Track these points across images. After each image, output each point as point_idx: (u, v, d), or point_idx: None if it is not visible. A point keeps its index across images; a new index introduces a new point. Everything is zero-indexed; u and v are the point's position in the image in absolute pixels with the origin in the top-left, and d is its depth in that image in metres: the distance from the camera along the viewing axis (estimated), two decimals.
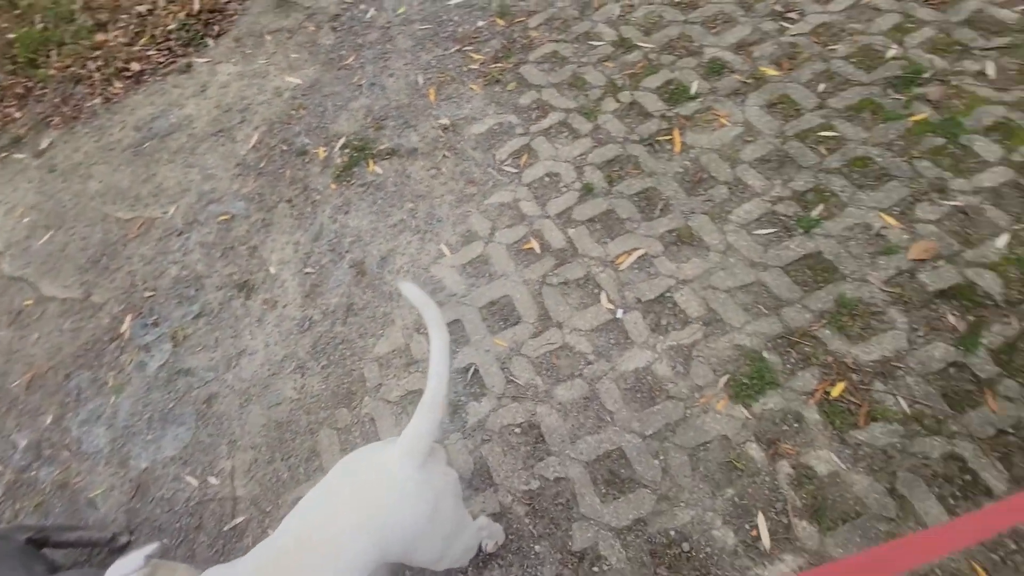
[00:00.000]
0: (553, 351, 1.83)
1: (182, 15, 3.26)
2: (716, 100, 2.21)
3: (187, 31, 3.22)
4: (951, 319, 1.61)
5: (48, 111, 3.20)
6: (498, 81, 2.55)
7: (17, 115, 3.24)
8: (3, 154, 3.14)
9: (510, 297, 1.98)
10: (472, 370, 1.86)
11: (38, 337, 2.47)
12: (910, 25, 2.16)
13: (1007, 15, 2.09)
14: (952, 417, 1.48)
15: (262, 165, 2.64)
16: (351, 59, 2.89)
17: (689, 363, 1.71)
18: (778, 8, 2.36)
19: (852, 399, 1.56)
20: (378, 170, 2.44)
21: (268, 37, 3.13)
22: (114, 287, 2.47)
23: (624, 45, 2.47)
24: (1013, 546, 1.31)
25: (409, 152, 2.46)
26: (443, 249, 2.16)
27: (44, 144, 3.10)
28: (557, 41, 2.59)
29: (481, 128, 2.43)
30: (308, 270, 2.26)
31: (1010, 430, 1.43)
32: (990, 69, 1.99)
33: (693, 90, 2.25)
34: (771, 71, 2.21)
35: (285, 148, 2.67)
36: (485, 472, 1.68)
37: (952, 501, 1.39)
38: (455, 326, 1.96)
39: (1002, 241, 1.67)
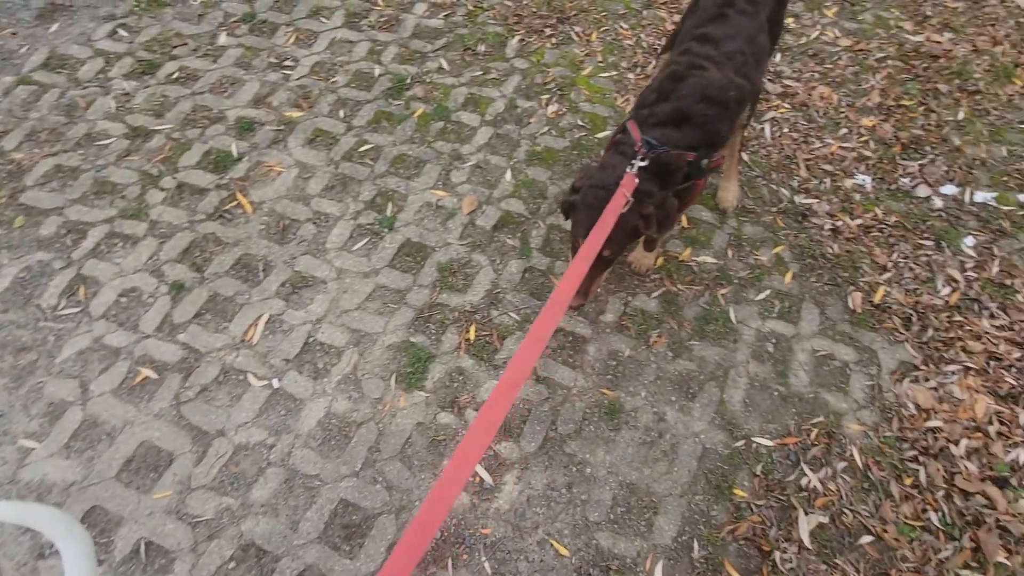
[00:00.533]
0: (228, 461, 1.61)
1: None
2: (261, 154, 2.23)
3: None
4: (509, 242, 2.05)
5: None
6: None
7: None
8: None
9: (148, 441, 1.64)
10: (142, 546, 1.48)
11: None
12: (379, 47, 2.58)
13: (436, 23, 2.70)
14: (542, 305, 1.91)
15: None
16: None
17: (360, 385, 1.74)
18: (273, 60, 2.50)
19: (484, 333, 1.85)
20: None
21: None
22: None
23: (140, 134, 2.24)
24: None
25: None
26: (25, 444, 1.62)
27: None
28: (54, 154, 2.17)
29: (1, 284, 1.88)
30: None
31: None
32: (444, 63, 2.54)
33: (235, 152, 2.21)
34: (295, 113, 2.34)
35: None
36: None
37: (571, 359, 1.81)
38: (94, 515, 1.52)
39: (508, 175, 2.20)
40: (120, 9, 2.63)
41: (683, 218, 2.10)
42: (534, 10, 2.73)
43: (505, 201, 2.15)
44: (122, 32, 2.54)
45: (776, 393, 1.76)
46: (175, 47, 2.51)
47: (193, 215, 2.06)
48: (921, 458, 1.62)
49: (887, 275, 1.98)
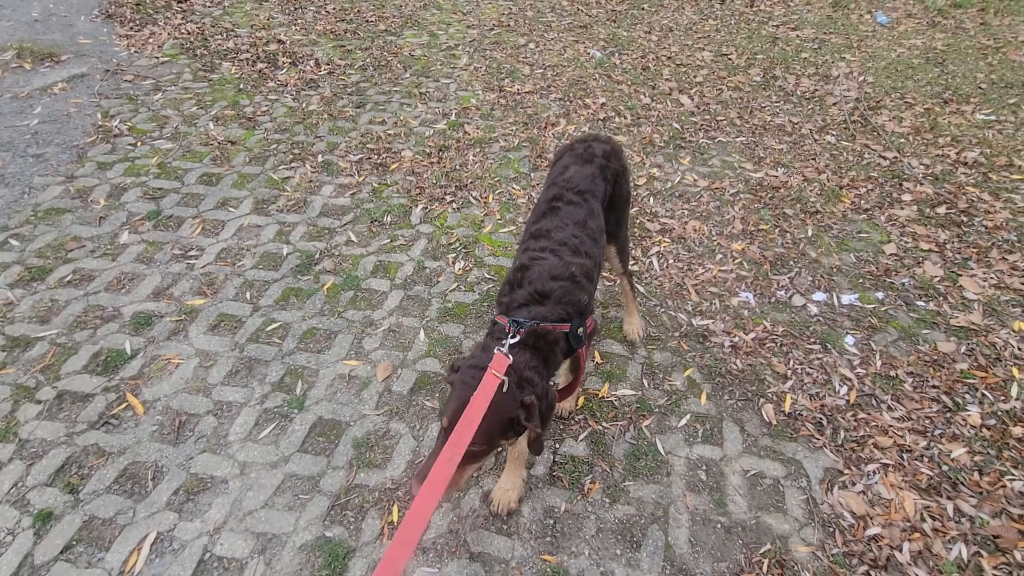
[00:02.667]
0: None
1: None
2: (159, 347, 2.13)
3: None
4: (428, 404, 2.00)
5: None
6: None
7: None
8: None
9: None
10: None
11: None
12: (287, 228, 2.69)
13: (344, 201, 2.88)
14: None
15: None
16: None
17: None
18: (177, 252, 2.52)
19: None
20: None
21: None
22: None
23: (19, 344, 2.09)
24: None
25: None
26: None
27: None
28: None
29: None
30: None
31: (499, 450, 1.86)
32: (352, 236, 2.67)
33: (129, 349, 2.10)
34: (199, 301, 2.30)
35: None
36: None
37: (505, 527, 1.67)
38: None
39: (422, 335, 2.22)
40: (14, 220, 2.61)
41: (596, 354, 2.17)
42: (434, 181, 3.02)
43: (420, 362, 2.14)
44: (14, 242, 2.50)
45: (719, 525, 1.70)
46: (70, 251, 2.48)
47: (72, 426, 1.87)
48: (872, 573, 1.58)
49: (789, 383, 2.10)
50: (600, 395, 2.04)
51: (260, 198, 2.83)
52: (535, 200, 2.87)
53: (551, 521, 1.70)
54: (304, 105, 3.59)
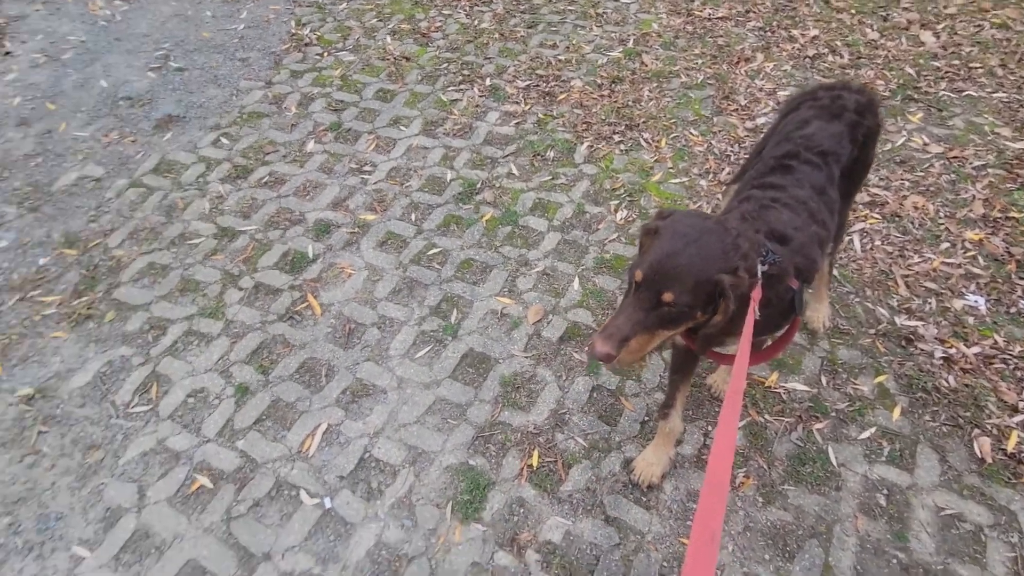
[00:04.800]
0: None
1: None
2: (335, 255, 2.29)
3: None
4: (576, 356, 1.95)
5: None
6: (89, 317, 2.12)
7: None
8: None
9: (195, 560, 1.56)
10: None
11: None
12: (452, 153, 2.69)
13: (508, 130, 2.80)
14: (612, 430, 1.76)
15: None
16: None
17: (414, 512, 1.62)
18: (353, 165, 2.65)
19: (548, 459, 1.71)
20: None
21: None
22: None
23: (227, 235, 2.38)
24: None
25: None
26: (78, 552, 1.59)
27: None
28: (150, 252, 2.32)
29: (84, 378, 1.96)
30: None
31: (646, 418, 1.78)
32: (514, 168, 2.60)
33: (311, 253, 2.29)
34: (370, 216, 2.42)
35: None
36: None
37: (644, 499, 1.62)
38: None
39: (576, 284, 2.14)
40: (225, 120, 2.90)
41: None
42: (603, 118, 2.78)
43: (572, 311, 2.06)
44: (224, 141, 2.79)
45: (895, 560, 1.48)
46: (267, 154, 2.71)
47: (265, 315, 2.10)
48: None
49: (1019, 417, 1.70)
50: (766, 384, 1.82)
51: (429, 119, 2.84)
52: (715, 150, 2.52)
53: (694, 505, 1.59)
54: (476, 22, 3.46)
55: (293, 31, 3.49)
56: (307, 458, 1.74)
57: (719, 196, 2.33)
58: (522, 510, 1.62)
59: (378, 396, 1.87)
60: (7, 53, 3.39)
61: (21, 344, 2.06)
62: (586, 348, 1.40)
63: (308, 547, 1.58)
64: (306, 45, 3.37)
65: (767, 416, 1.76)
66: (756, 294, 1.09)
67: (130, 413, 1.87)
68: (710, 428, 1.75)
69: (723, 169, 2.51)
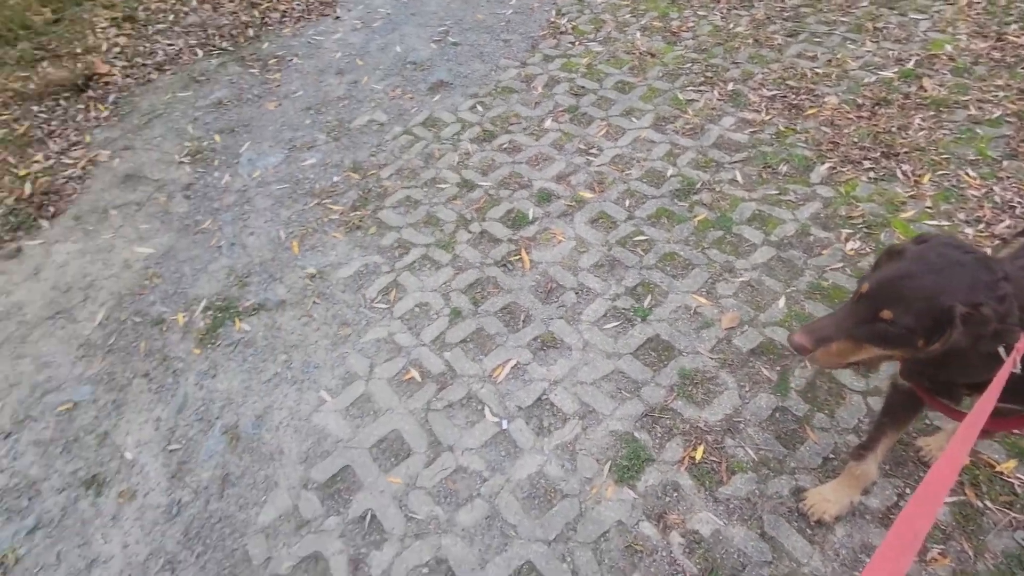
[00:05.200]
0: (448, 476, 1.82)
1: (10, 200, 3.05)
2: (551, 221, 2.56)
3: (16, 216, 3.01)
4: (765, 372, 1.92)
5: None
6: (359, 227, 2.71)
7: None
8: None
9: (398, 431, 1.96)
10: (369, 517, 1.76)
11: None
12: (677, 151, 2.76)
13: (741, 137, 2.77)
14: (789, 455, 1.72)
15: (111, 342, 2.43)
16: (207, 223, 2.88)
17: (575, 458, 1.81)
18: (582, 146, 2.89)
19: (713, 459, 1.75)
20: (246, 327, 2.38)
21: (114, 212, 3.03)
22: None
23: (467, 185, 2.81)
24: None
25: (277, 304, 2.45)
26: (323, 395, 2.11)
27: None
28: (409, 188, 2.86)
29: (348, 271, 2.52)
30: (173, 447, 2.05)
31: (831, 455, 1.70)
32: (739, 176, 2.58)
33: (531, 216, 2.59)
34: (587, 194, 2.64)
35: (138, 320, 2.50)
36: None
37: (810, 531, 1.57)
38: (345, 473, 1.88)
39: (781, 303, 2.08)
40: (482, 90, 3.37)
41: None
42: (855, 140, 2.58)
43: (771, 328, 2.02)
44: (479, 108, 3.25)
45: None
46: (511, 124, 3.09)
47: (484, 258, 2.45)
48: None
49: None
50: (997, 468, 1.58)
51: (661, 115, 2.93)
52: (996, 198, 2.18)
53: (866, 559, 1.48)
54: (731, 26, 3.42)
55: (552, 20, 3.84)
56: (495, 383, 2.03)
57: (987, 251, 2.02)
58: (676, 494, 1.69)
59: (564, 351, 2.08)
60: (337, 18, 4.35)
61: (312, 236, 2.73)
62: (789, 335, 1.36)
63: (482, 453, 1.86)
64: (561, 33, 3.70)
65: (988, 502, 1.55)
66: (1021, 346, 0.99)
67: (373, 307, 2.37)
68: (908, 491, 1.60)
69: (1001, 221, 2.17)
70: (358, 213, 2.77)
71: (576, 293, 2.25)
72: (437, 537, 1.69)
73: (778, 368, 1.91)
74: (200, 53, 4.08)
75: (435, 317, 2.27)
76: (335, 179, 2.98)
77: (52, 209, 3.08)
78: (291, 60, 3.90)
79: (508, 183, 2.76)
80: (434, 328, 2.23)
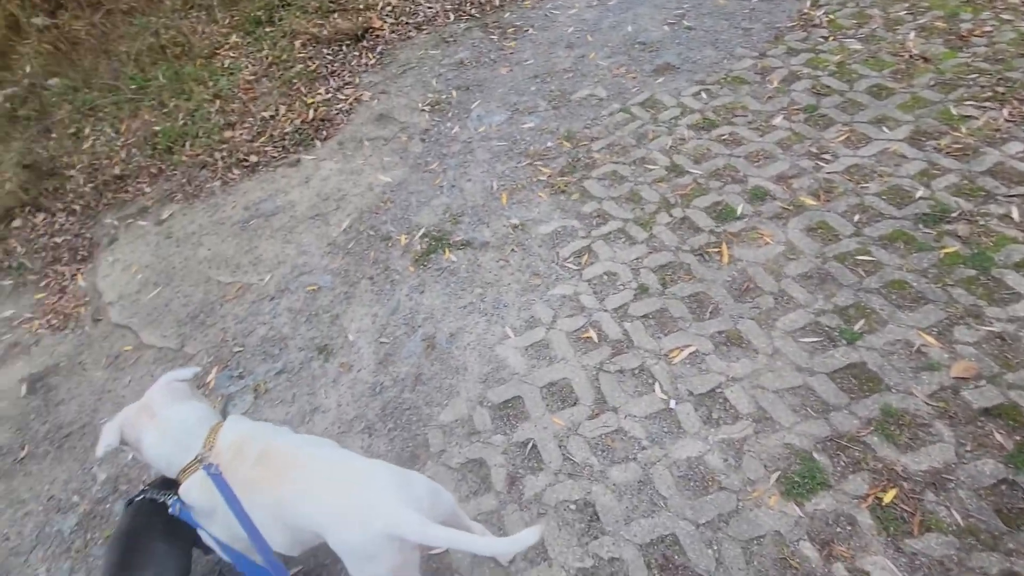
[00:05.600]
0: (608, 434, 1.94)
1: (298, 121, 3.85)
2: (760, 221, 2.46)
3: (300, 134, 3.79)
4: (998, 437, 1.67)
5: (174, 189, 3.72)
6: (563, 191, 2.90)
7: (147, 190, 3.77)
8: (129, 221, 3.61)
9: (569, 380, 2.12)
10: (530, 445, 1.96)
11: (129, 381, 2.70)
12: (935, 171, 2.43)
13: None
14: (1008, 534, 1.50)
15: (350, 246, 2.98)
16: (435, 165, 3.32)
17: (740, 457, 1.79)
18: (813, 150, 2.69)
19: (904, 507, 1.59)
20: (452, 258, 2.73)
21: (367, 143, 3.65)
22: (207, 341, 2.73)
23: (676, 170, 2.81)
24: None
25: (481, 245, 2.76)
26: (508, 332, 2.36)
27: (165, 215, 3.57)
28: (617, 163, 2.96)
29: (547, 229, 2.73)
30: (383, 340, 2.48)
31: None
32: (1015, 213, 2.20)
33: (739, 211, 2.52)
34: (810, 201, 2.47)
35: (372, 233, 3.02)
36: (540, 546, 1.72)
37: None
38: (516, 402, 2.10)
39: None
40: (710, 78, 3.29)
41: None
42: None
43: (1019, 392, 1.73)
44: (703, 95, 3.19)
45: None
46: (735, 116, 2.98)
47: (681, 243, 2.46)
48: None
49: None
50: None
51: (922, 128, 2.58)
52: None
53: None
54: None
55: (805, 10, 3.56)
56: (670, 363, 2.07)
57: None
58: (849, 528, 1.58)
59: (749, 352, 2.02)
60: None
61: (520, 192, 2.98)
62: None
63: (644, 424, 1.93)
64: (813, 26, 3.41)
65: None
66: None
67: (564, 266, 2.54)
68: None
69: None
70: (564, 178, 2.95)
71: (775, 298, 2.16)
72: (588, 482, 1.82)
73: (1017, 438, 1.64)
74: (452, 17, 4.61)
75: (621, 288, 2.36)
76: (548, 144, 3.20)
77: (324, 133, 3.81)
78: (527, 31, 4.20)
79: (720, 174, 2.70)
80: (618, 298, 2.33)
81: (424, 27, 4.51)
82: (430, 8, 4.64)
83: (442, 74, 3.95)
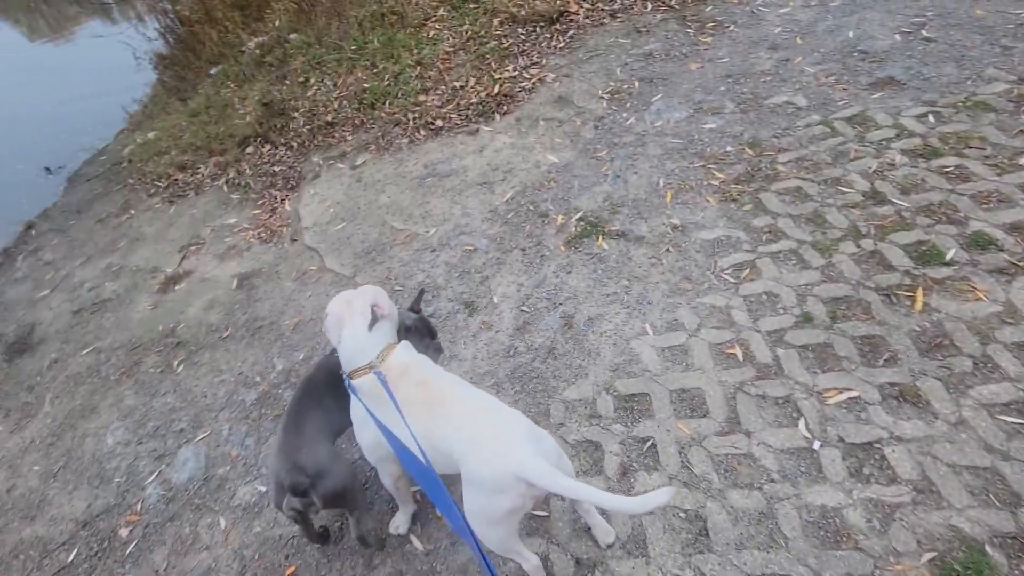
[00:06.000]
0: (736, 456, 1.86)
1: (483, 94, 4.13)
2: (974, 272, 2.13)
3: (483, 106, 4.07)
4: None
5: (369, 140, 4.23)
6: (735, 200, 2.76)
7: (349, 138, 4.34)
8: (331, 162, 4.20)
9: (702, 391, 2.06)
10: (650, 443, 1.96)
11: (310, 295, 3.19)
12: None
13: None
14: None
15: (509, 216, 3.16)
16: (603, 153, 3.36)
17: (889, 523, 1.61)
18: None
19: None
20: (605, 246, 2.76)
21: (542, 123, 3.80)
22: (374, 275, 3.11)
23: (875, 198, 2.52)
24: None
25: (636, 238, 2.76)
26: (647, 328, 2.34)
27: (359, 162, 4.09)
28: (803, 179, 2.73)
29: (709, 236, 2.64)
30: (524, 309, 2.61)
31: None
32: None
33: (948, 256, 2.20)
34: None
35: (531, 208, 3.16)
36: (641, 541, 1.73)
37: None
38: (642, 398, 2.10)
39: None
40: (943, 100, 2.85)
41: None
42: None
43: None
44: (930, 118, 2.78)
45: None
46: (969, 147, 2.56)
47: (865, 279, 2.21)
48: None
49: None
50: None
51: None
52: None
53: None
54: None
55: None
56: (823, 401, 1.89)
57: None
58: None
59: (926, 414, 1.78)
60: None
61: (686, 193, 2.89)
62: None
63: (779, 456, 1.81)
64: None
65: None
66: None
67: (720, 276, 2.43)
68: None
69: None
70: (739, 187, 2.80)
71: (974, 363, 1.86)
72: (704, 496, 1.77)
73: None
74: (649, 6, 4.55)
75: (781, 311, 2.21)
76: (728, 148, 3.05)
77: (505, 108, 4.04)
78: (728, 27, 4.00)
79: (933, 211, 2.37)
80: (775, 321, 2.18)
81: (619, 14, 4.52)
82: None
83: (628, 63, 3.94)
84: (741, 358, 2.11)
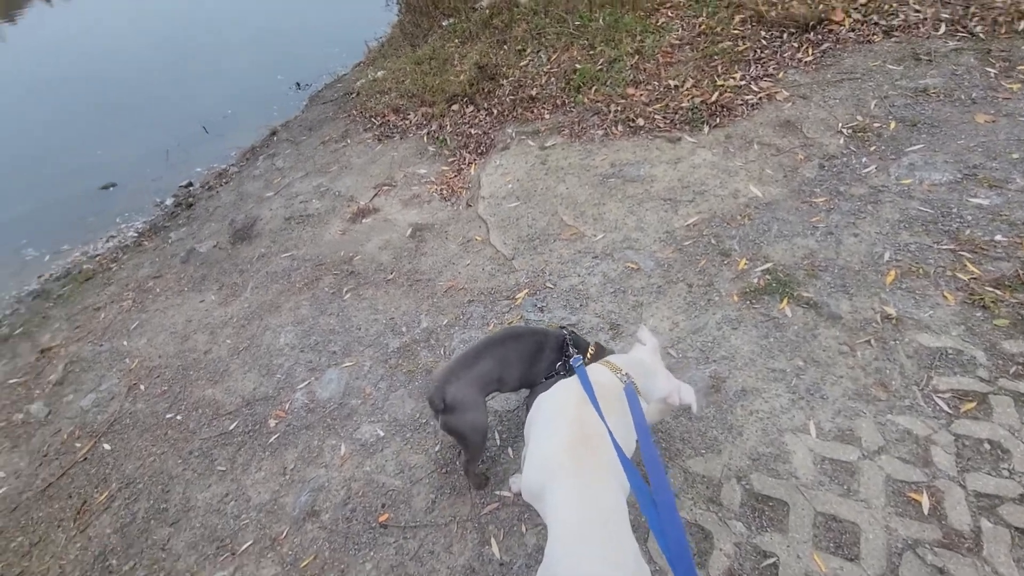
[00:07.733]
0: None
1: (698, 99, 3.80)
2: None
3: (693, 113, 3.75)
4: None
5: (564, 124, 4.19)
6: (985, 307, 2.19)
7: (546, 117, 4.35)
8: (522, 137, 4.26)
9: (859, 529, 1.72)
10: (772, 560, 1.70)
11: (468, 264, 3.32)
12: None
13: None
14: None
15: (686, 244, 2.91)
16: (821, 200, 2.89)
17: None
18: None
19: None
20: (788, 312, 2.41)
21: (756, 146, 3.39)
22: (530, 264, 3.12)
23: None
24: None
25: (831, 315, 2.35)
26: (810, 426, 2.01)
27: (549, 143, 4.09)
28: None
29: (931, 342, 2.14)
30: (671, 352, 2.41)
31: None
32: None
33: None
34: None
35: (712, 242, 2.87)
36: None
37: None
38: (778, 505, 1.82)
39: None
40: None
41: None
42: None
43: None
44: None
45: None
46: None
47: None
48: None
49: None
50: None
51: None
52: None
53: None
54: None
55: None
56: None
57: None
58: None
59: None
60: None
61: (915, 279, 2.37)
62: None
63: None
64: None
65: None
66: None
67: (932, 397, 1.98)
68: None
69: None
70: (997, 291, 2.21)
71: None
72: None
73: None
74: (941, 30, 3.71)
75: (1005, 474, 1.73)
76: (997, 237, 2.41)
77: (717, 121, 3.68)
78: None
79: None
80: (992, 483, 1.71)
81: (895, 33, 3.78)
82: (917, 12, 3.83)
83: (889, 96, 3.30)
84: (926, 511, 1.71)
